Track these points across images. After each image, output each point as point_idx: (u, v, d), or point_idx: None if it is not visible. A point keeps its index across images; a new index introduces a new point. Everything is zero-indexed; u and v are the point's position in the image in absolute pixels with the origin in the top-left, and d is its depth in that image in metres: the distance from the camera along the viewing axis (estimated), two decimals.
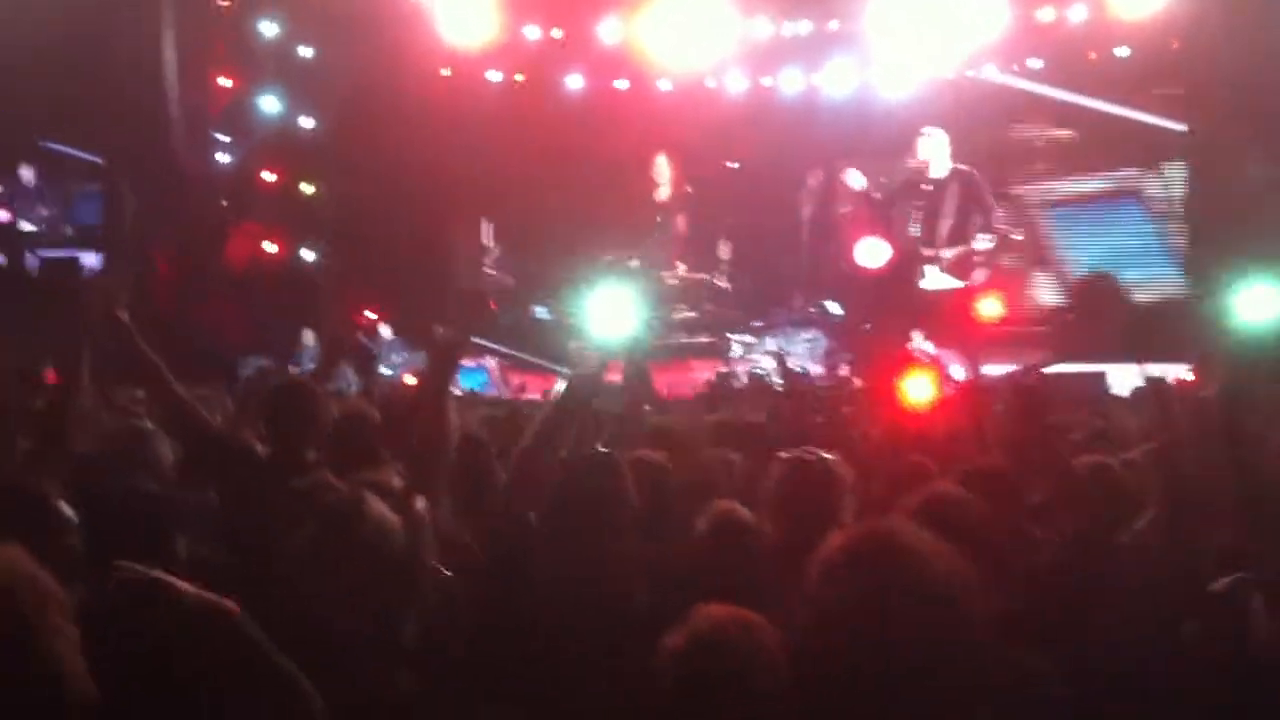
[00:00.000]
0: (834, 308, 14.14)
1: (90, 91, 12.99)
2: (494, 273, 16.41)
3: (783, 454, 3.75)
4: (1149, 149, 15.81)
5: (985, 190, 13.37)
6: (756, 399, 9.31)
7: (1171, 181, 15.88)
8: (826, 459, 3.67)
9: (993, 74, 15.95)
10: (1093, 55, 15.47)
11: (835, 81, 16.17)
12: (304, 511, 3.02)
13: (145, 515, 3.31)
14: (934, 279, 13.24)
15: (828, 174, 16.18)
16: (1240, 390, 4.18)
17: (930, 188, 13.25)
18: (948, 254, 13.18)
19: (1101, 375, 11.94)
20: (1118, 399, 9.83)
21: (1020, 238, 13.71)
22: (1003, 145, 16.26)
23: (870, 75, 16.00)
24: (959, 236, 13.19)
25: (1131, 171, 16.14)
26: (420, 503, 2.93)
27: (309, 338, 14.55)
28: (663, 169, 15.42)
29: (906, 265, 13.59)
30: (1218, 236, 13.42)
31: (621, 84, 16.58)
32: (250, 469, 4.28)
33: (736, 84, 16.46)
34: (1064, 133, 16.41)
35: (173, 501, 3.77)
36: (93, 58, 12.78)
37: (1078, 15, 14.78)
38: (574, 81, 16.63)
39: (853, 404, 7.60)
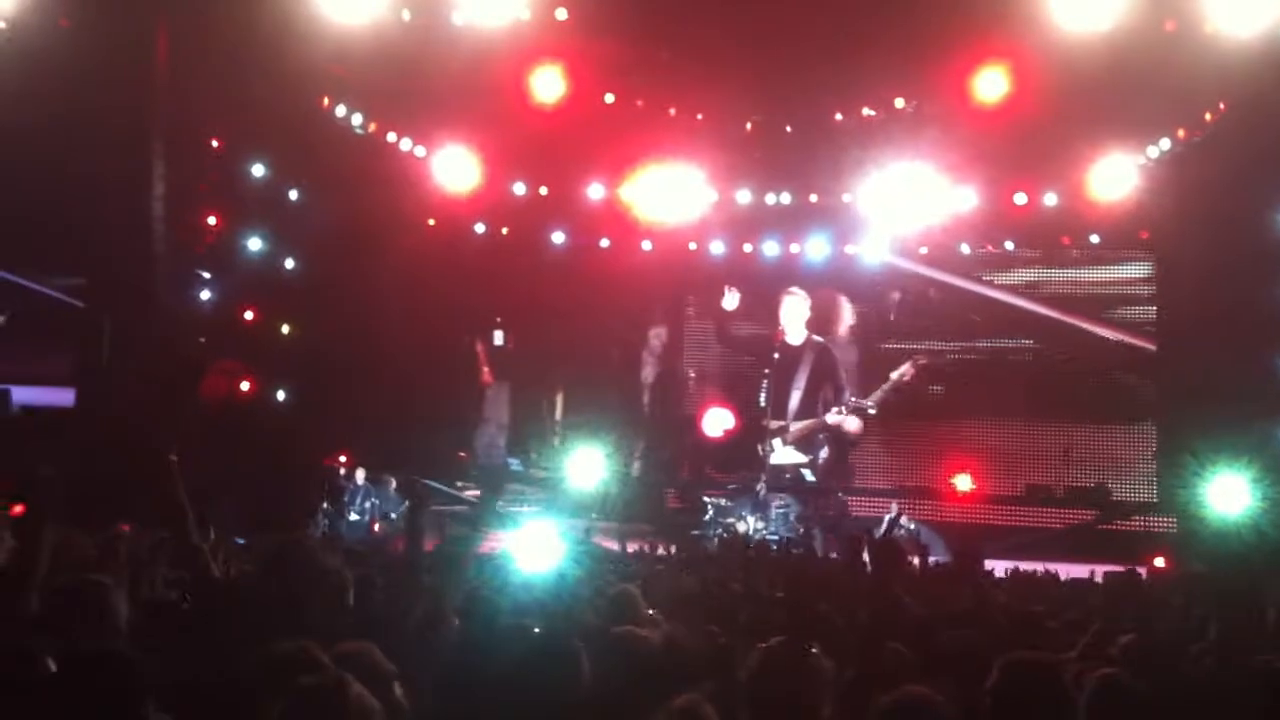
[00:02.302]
0: (808, 474, 14.01)
1: (78, 222, 13.09)
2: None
3: (762, 644, 3.67)
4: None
5: (839, 365, 13.26)
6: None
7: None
8: (808, 652, 3.57)
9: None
10: (1066, 239, 15.83)
11: (814, 249, 16.46)
12: (279, 685, 2.94)
13: (117, 679, 3.21)
14: (780, 453, 13.13)
15: (671, 333, 15.98)
16: (1258, 581, 4.15)
17: (779, 356, 13.16)
18: (795, 427, 13.07)
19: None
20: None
21: (874, 411, 13.30)
22: None
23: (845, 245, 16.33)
24: (808, 410, 13.07)
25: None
26: (399, 689, 2.87)
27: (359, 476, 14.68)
28: None
29: (751, 436, 13.41)
30: (1187, 433, 13.43)
31: (604, 242, 16.87)
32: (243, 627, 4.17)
33: (717, 248, 16.76)
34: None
35: (141, 663, 3.65)
36: (83, 191, 12.90)
37: (1051, 200, 15.15)
38: (558, 237, 16.94)
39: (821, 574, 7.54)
